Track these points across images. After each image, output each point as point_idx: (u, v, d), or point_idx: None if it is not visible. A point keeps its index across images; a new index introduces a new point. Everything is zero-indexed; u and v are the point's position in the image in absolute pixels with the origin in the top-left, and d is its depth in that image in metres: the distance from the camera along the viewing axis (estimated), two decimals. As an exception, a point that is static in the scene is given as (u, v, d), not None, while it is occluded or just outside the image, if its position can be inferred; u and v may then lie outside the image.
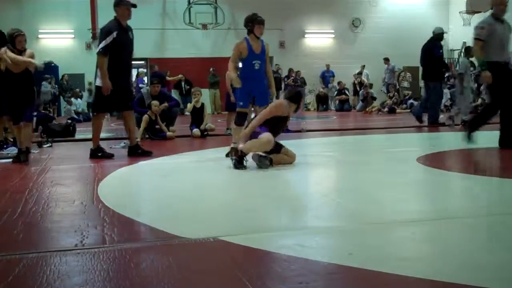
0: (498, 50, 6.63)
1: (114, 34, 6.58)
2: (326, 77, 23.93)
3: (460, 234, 2.98)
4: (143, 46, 18.40)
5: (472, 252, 2.60)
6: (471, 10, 19.83)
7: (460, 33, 23.36)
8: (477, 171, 5.51)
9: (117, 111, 7.64)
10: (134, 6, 6.85)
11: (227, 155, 6.21)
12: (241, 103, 6.52)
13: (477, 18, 20.87)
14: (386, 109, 19.62)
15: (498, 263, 2.41)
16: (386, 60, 21.96)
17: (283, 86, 21.91)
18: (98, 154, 6.90)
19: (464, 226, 3.12)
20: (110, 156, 6.88)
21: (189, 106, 10.54)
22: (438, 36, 11.83)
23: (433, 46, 11.65)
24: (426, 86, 11.84)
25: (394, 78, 21.84)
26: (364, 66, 23.32)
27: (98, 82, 6.77)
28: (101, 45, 6.58)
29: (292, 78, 22.49)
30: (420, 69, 23.79)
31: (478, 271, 2.32)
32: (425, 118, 11.51)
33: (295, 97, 5.94)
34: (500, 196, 4.16)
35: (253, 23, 6.45)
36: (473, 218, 3.29)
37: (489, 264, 2.40)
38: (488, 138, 6.90)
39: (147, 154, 6.93)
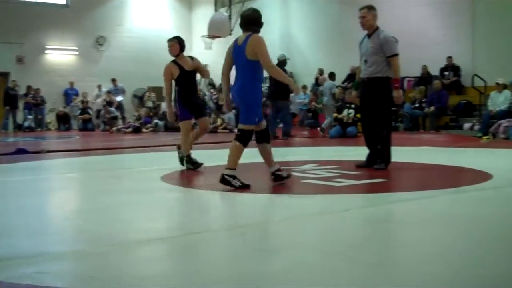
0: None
1: None
2: (69, 94, 23.17)
3: (203, 248, 3.06)
4: None
5: (214, 265, 2.67)
6: (212, 35, 20.90)
7: (202, 57, 24.42)
8: (216, 187, 5.73)
9: None
10: None
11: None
12: (256, 119, 5.26)
13: (217, 43, 22.13)
14: (130, 129, 19.65)
15: (247, 273, 2.51)
16: (113, 80, 22.25)
17: (20, 105, 20.87)
18: None
19: (208, 240, 3.21)
20: None
21: None
22: (282, 62, 13.09)
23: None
24: (275, 106, 13.23)
25: (123, 98, 22.39)
26: (100, 85, 22.89)
27: None
28: None
29: (31, 95, 21.33)
30: (164, 89, 24.59)
31: (225, 283, 2.38)
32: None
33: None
34: (240, 210, 4.38)
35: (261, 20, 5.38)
36: (215, 233, 3.40)
37: (235, 275, 2.48)
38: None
39: None
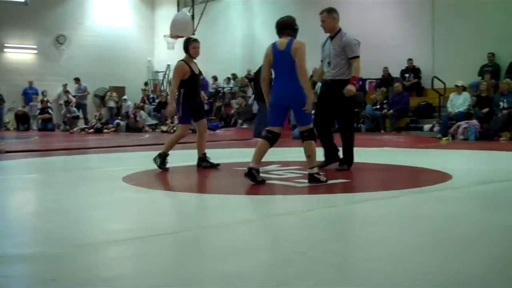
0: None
1: None
2: (29, 94, 22.76)
3: (167, 249, 3.04)
4: None
5: (179, 265, 2.66)
6: (175, 34, 20.79)
7: (164, 56, 24.33)
8: (178, 188, 5.71)
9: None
10: None
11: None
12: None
13: (180, 43, 22.02)
14: (91, 130, 19.45)
15: (211, 274, 2.50)
16: (77, 80, 21.99)
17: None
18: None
19: (171, 241, 3.19)
20: None
21: None
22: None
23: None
24: (259, 106, 13.17)
25: (85, 98, 22.06)
26: (66, 84, 22.60)
27: None
28: None
29: (-10, 94, 20.89)
30: (126, 89, 24.48)
31: (191, 284, 2.37)
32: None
33: (184, 46, 6.82)
34: (203, 211, 4.37)
35: None
36: (178, 234, 3.38)
37: (199, 276, 2.48)
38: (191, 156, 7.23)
39: None
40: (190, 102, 6.82)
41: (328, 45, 6.57)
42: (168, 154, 6.81)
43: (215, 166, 6.95)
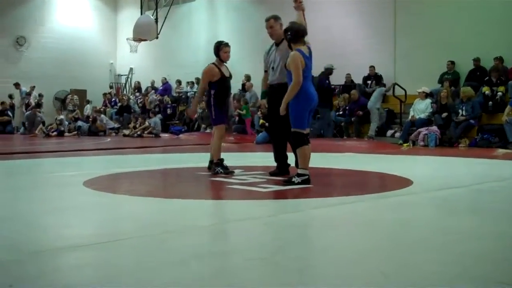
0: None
1: None
2: (-14, 96, 22.32)
3: (129, 255, 3.00)
4: None
5: (139, 271, 2.62)
6: (138, 38, 20.64)
7: (127, 59, 24.11)
8: (141, 192, 5.65)
9: None
10: None
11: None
12: None
13: (143, 46, 21.86)
14: (54, 133, 19.12)
15: (173, 280, 2.48)
16: (17, 85, 21.89)
17: None
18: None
19: (133, 246, 3.15)
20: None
21: None
22: (328, 71, 14.82)
23: (322, 79, 14.63)
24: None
25: (28, 100, 21.96)
26: (34, 87, 22.40)
27: None
28: None
29: None
30: (87, 91, 24.16)
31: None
32: None
33: (214, 49, 6.75)
34: (165, 216, 4.32)
35: None
36: (140, 239, 3.34)
37: (160, 282, 2.45)
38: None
39: None
40: (222, 104, 6.79)
41: (273, 51, 6.57)
42: (223, 159, 6.72)
43: (229, 173, 6.61)
